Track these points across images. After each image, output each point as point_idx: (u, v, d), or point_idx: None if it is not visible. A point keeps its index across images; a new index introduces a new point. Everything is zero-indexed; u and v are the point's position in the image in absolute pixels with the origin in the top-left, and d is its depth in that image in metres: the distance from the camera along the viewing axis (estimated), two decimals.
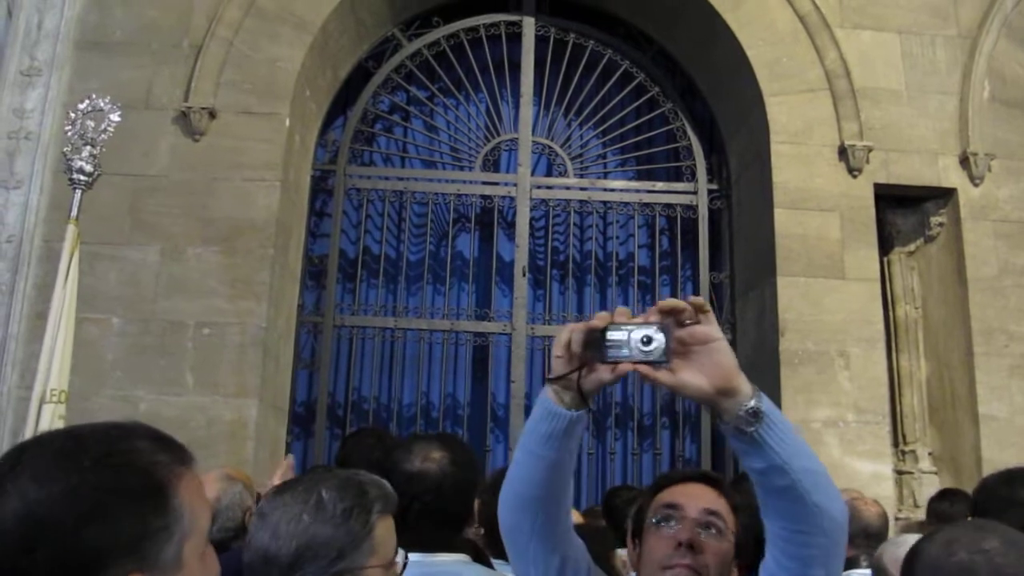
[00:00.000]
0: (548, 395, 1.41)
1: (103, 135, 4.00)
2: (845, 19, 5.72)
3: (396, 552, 1.62)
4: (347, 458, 3.25)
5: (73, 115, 4.03)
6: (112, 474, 0.98)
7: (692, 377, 1.33)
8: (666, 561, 1.61)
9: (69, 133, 3.99)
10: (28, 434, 3.86)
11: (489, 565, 2.20)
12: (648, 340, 1.31)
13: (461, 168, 6.26)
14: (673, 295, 6.11)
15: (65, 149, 4.00)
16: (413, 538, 1.91)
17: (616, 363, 1.33)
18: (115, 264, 5.09)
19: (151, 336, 5.07)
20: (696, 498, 1.69)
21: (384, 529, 1.62)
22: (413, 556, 1.82)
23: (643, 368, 1.31)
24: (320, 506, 1.52)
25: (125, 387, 4.98)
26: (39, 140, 5.23)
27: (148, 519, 0.99)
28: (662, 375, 1.32)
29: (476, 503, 2.18)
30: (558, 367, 1.38)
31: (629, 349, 1.31)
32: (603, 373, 1.35)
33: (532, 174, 6.19)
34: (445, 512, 2.05)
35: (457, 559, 2.05)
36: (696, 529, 1.64)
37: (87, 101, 4.08)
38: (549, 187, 6.23)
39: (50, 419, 3.81)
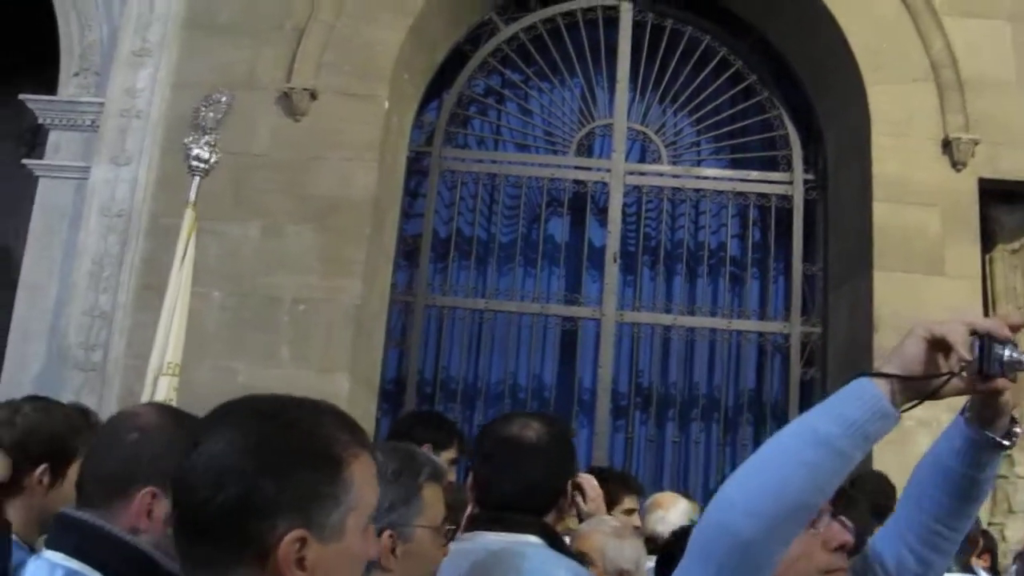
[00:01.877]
0: (882, 391, 1.25)
1: (219, 125, 4.22)
2: (952, 5, 5.54)
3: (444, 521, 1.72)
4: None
5: (196, 106, 4.27)
6: (296, 438, 1.09)
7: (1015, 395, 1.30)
8: (827, 566, 1.49)
9: (193, 121, 4.24)
10: None
11: (569, 554, 2.07)
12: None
13: (555, 152, 6.29)
14: (764, 287, 6.08)
15: (186, 139, 4.20)
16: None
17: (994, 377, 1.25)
18: (216, 239, 5.26)
19: (249, 310, 5.25)
20: None
21: (432, 494, 1.74)
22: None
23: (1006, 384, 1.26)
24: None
25: (224, 359, 5.17)
26: (148, 118, 5.44)
27: (320, 485, 1.08)
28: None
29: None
30: (915, 366, 1.26)
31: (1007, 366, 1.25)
32: (969, 383, 1.27)
33: (626, 160, 6.18)
34: (538, 483, 1.98)
35: (525, 539, 1.92)
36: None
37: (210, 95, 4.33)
38: (642, 173, 6.21)
39: (166, 390, 4.02)
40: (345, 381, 5.19)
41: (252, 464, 1.06)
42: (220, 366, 5.15)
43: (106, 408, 5.03)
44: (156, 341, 4.35)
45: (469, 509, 2.13)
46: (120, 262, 5.32)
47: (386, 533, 1.61)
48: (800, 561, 1.43)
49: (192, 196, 4.33)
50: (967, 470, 1.40)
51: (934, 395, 1.27)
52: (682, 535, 1.77)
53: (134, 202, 5.35)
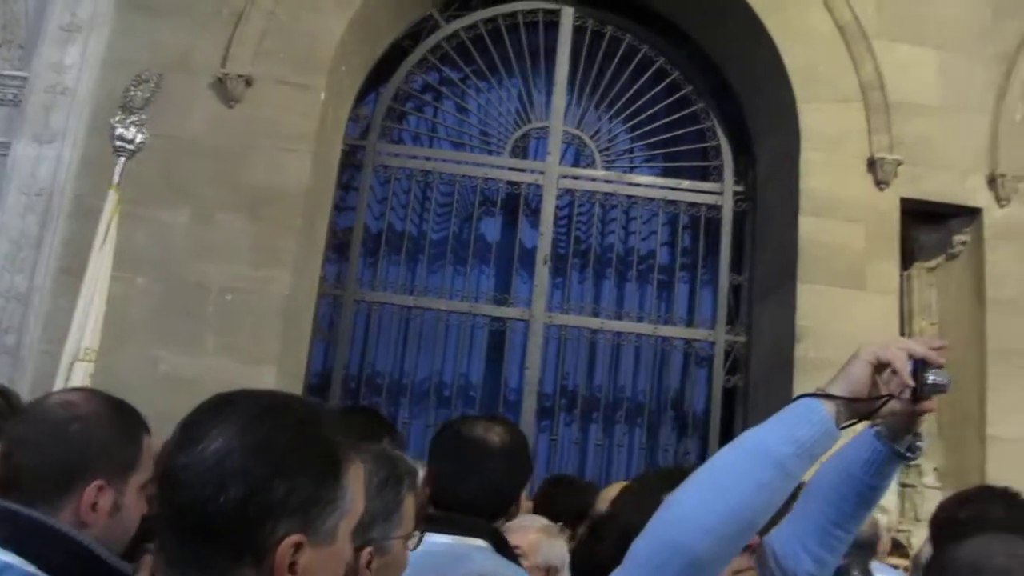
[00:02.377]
0: (829, 411, 1.29)
1: (147, 105, 4.11)
2: (884, 31, 5.72)
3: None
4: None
5: (125, 85, 4.15)
6: (301, 438, 1.07)
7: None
8: (737, 567, 1.56)
9: (122, 101, 4.11)
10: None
11: (515, 559, 2.05)
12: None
13: (490, 152, 6.29)
14: (692, 294, 6.18)
15: (112, 119, 4.07)
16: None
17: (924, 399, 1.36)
18: (144, 224, 5.12)
19: (175, 298, 5.13)
20: None
21: (410, 504, 1.70)
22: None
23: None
24: None
25: (147, 346, 5.03)
26: (75, 96, 5.25)
27: (322, 489, 1.06)
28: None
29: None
30: (861, 388, 1.33)
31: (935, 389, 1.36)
32: (904, 404, 1.37)
33: (560, 163, 6.22)
34: (497, 486, 2.00)
35: (473, 543, 1.92)
36: None
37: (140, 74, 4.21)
38: (576, 177, 6.26)
39: (82, 377, 3.88)
40: (271, 373, 5.10)
41: (257, 464, 1.03)
42: (142, 354, 5.01)
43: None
44: (72, 326, 4.23)
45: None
46: (39, 243, 5.12)
47: (367, 550, 1.54)
48: None
49: (116, 177, 4.21)
50: (872, 480, 1.51)
51: (871, 415, 1.36)
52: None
53: (56, 181, 5.16)
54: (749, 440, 1.30)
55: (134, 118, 4.31)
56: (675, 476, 1.72)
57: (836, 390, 1.32)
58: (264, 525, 1.01)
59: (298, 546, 1.02)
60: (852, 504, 1.55)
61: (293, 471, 1.04)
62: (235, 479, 1.01)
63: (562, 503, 3.51)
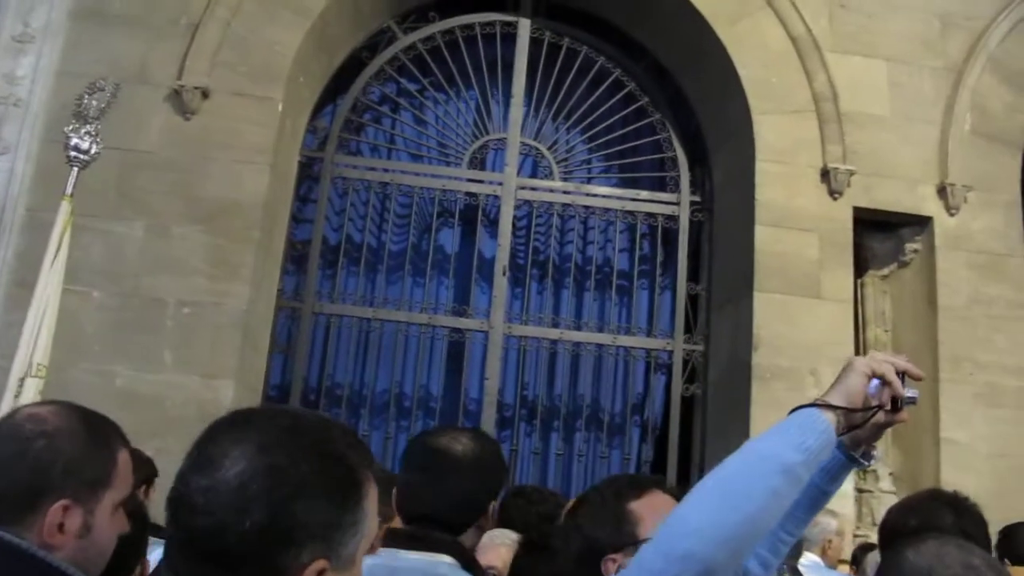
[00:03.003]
0: (831, 421, 1.36)
1: (102, 115, 4.03)
2: (836, 44, 5.83)
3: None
4: None
5: (79, 94, 4.06)
6: (326, 462, 1.04)
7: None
8: None
9: (76, 109, 4.02)
10: (5, 408, 3.82)
11: (479, 573, 2.03)
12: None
13: (448, 164, 6.30)
14: (650, 304, 6.22)
15: (66, 128, 4.00)
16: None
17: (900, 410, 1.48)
18: (99, 237, 5.06)
19: (131, 312, 5.06)
20: None
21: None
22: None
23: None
24: None
25: (103, 362, 4.96)
26: (28, 108, 5.19)
27: (345, 512, 1.04)
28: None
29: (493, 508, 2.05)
30: (857, 399, 1.41)
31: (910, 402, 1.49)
32: (885, 415, 1.47)
33: (518, 175, 6.25)
34: (460, 497, 1.95)
35: (439, 560, 1.89)
36: None
37: (95, 83, 4.12)
38: (534, 188, 6.29)
39: (33, 394, 3.79)
40: (230, 388, 5.05)
41: (281, 488, 1.00)
42: (98, 369, 4.94)
43: None
44: (22, 340, 4.12)
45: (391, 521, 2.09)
46: None
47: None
48: None
49: (69, 188, 4.12)
50: (826, 486, 1.58)
51: (863, 424, 1.45)
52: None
53: (9, 194, 5.09)
54: (758, 450, 1.34)
55: (88, 128, 4.20)
56: (636, 485, 1.74)
57: (836, 401, 1.39)
58: (288, 550, 0.99)
59: (322, 572, 1.01)
60: (804, 509, 1.59)
61: (316, 495, 1.02)
62: (259, 504, 0.99)
63: (527, 515, 3.50)
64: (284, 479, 1.00)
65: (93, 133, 4.18)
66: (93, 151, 4.04)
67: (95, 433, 1.57)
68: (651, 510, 1.64)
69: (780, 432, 1.34)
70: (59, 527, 1.46)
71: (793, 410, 1.38)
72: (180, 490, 1.03)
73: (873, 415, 1.45)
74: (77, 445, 1.52)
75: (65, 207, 4.02)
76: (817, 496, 1.58)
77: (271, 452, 1.02)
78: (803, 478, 1.32)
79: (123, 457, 1.58)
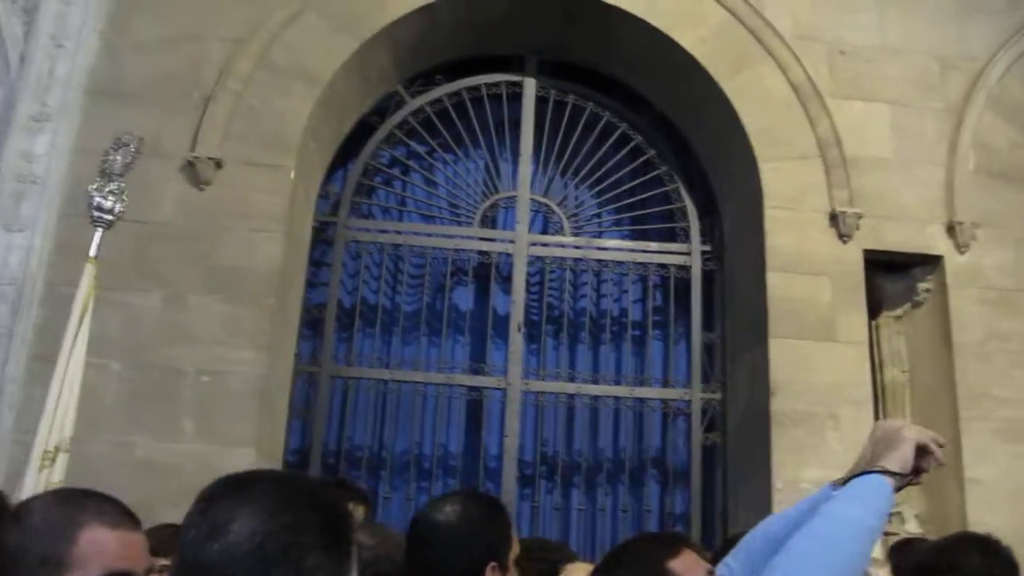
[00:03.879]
0: (892, 486, 1.62)
1: (127, 170, 4.03)
2: (837, 90, 5.91)
3: None
4: None
5: (104, 155, 4.03)
6: (323, 514, 1.13)
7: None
8: None
9: (101, 167, 3.99)
10: (29, 482, 3.82)
11: None
12: None
13: (459, 223, 6.37)
14: (666, 354, 6.23)
15: (91, 187, 3.99)
16: None
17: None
18: (116, 309, 5.10)
19: (150, 382, 5.08)
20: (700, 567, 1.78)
21: None
22: None
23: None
24: None
25: (122, 433, 4.97)
26: (45, 184, 5.27)
27: (343, 561, 1.13)
28: None
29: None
30: (908, 466, 1.66)
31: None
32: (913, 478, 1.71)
33: (529, 231, 6.31)
34: (443, 566, 2.01)
35: None
36: None
37: (119, 138, 4.09)
38: (545, 244, 6.34)
39: (63, 468, 3.78)
40: (250, 455, 5.05)
41: (294, 545, 1.07)
42: (117, 441, 4.95)
43: None
44: (44, 413, 4.10)
45: None
46: (11, 333, 5.09)
47: None
48: None
49: (93, 250, 4.02)
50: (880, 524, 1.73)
51: (905, 486, 1.69)
52: None
53: (27, 270, 5.15)
54: (846, 518, 1.54)
55: (112, 186, 4.10)
56: (670, 544, 1.77)
57: (894, 467, 1.63)
58: None
59: None
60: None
61: (323, 545, 1.10)
62: (278, 560, 1.06)
63: (530, 567, 3.47)
64: (296, 537, 1.08)
65: (116, 192, 4.07)
66: (117, 210, 3.99)
67: (58, 513, 1.56)
68: (688, 569, 1.71)
69: (859, 499, 1.57)
70: None
71: (861, 474, 1.63)
72: (192, 557, 1.09)
73: (916, 477, 1.70)
74: (30, 527, 1.53)
75: (89, 270, 3.96)
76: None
77: (279, 511, 1.09)
78: (877, 538, 1.56)
79: (91, 536, 1.52)
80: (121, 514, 1.58)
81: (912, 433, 1.67)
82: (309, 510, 1.11)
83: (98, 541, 1.52)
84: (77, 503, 1.57)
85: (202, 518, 1.10)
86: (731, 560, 1.86)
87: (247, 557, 1.05)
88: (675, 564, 1.72)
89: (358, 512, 3.52)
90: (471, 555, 2.02)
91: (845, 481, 1.68)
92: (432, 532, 2.04)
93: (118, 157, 4.05)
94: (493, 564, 2.02)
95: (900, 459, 1.63)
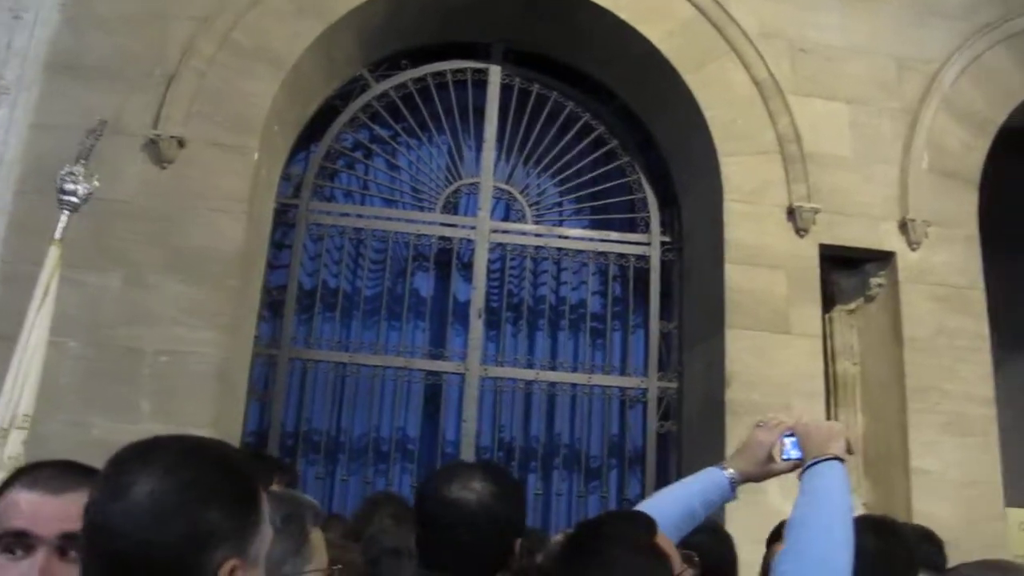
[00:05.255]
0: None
1: (91, 153, 4.01)
2: (798, 87, 6.01)
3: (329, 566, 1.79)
4: None
5: (83, 139, 4.01)
6: (225, 473, 1.17)
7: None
8: None
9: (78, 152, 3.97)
10: None
11: None
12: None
13: (422, 209, 6.38)
14: (624, 343, 6.31)
15: (61, 171, 3.96)
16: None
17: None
18: (76, 288, 5.02)
19: (108, 362, 5.04)
20: None
21: (317, 538, 1.84)
22: None
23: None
24: None
25: (79, 412, 4.92)
26: (3, 159, 5.20)
27: (248, 516, 1.17)
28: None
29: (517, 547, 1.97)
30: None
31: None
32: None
33: (491, 218, 6.34)
34: (478, 548, 1.89)
35: None
36: None
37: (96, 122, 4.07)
38: (507, 232, 6.38)
39: (18, 445, 3.75)
40: (208, 436, 5.03)
41: (193, 500, 1.11)
42: (73, 420, 4.89)
43: None
44: (3, 390, 4.06)
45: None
46: None
47: None
48: None
49: (59, 233, 4.02)
50: (705, 513, 2.05)
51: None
52: None
53: None
54: (840, 507, 1.79)
55: (79, 169, 4.10)
56: (649, 523, 1.83)
57: (844, 455, 1.92)
58: (205, 554, 1.10)
59: (234, 569, 1.12)
60: (682, 534, 2.00)
61: (223, 502, 1.14)
62: (176, 516, 1.09)
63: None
64: (196, 491, 1.12)
65: (77, 173, 4.07)
66: (81, 192, 3.97)
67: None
68: (668, 545, 1.81)
69: (839, 484, 1.83)
70: None
71: (826, 459, 1.88)
72: (95, 519, 1.12)
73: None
74: None
75: (54, 252, 3.95)
76: (694, 524, 2.06)
77: (179, 470, 1.13)
78: None
79: (7, 497, 1.56)
80: (51, 477, 1.57)
81: (840, 427, 2.00)
82: (210, 469, 1.15)
83: (9, 500, 1.55)
84: (27, 469, 1.63)
85: (106, 481, 1.14)
86: None
87: (147, 515, 1.08)
88: (659, 540, 1.79)
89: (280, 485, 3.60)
90: (503, 533, 1.93)
91: (738, 479, 2.08)
92: (458, 511, 1.89)
93: (86, 140, 4.02)
94: (520, 540, 1.97)
95: (842, 448, 1.92)
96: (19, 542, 1.50)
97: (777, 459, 2.03)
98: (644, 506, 2.03)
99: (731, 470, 2.06)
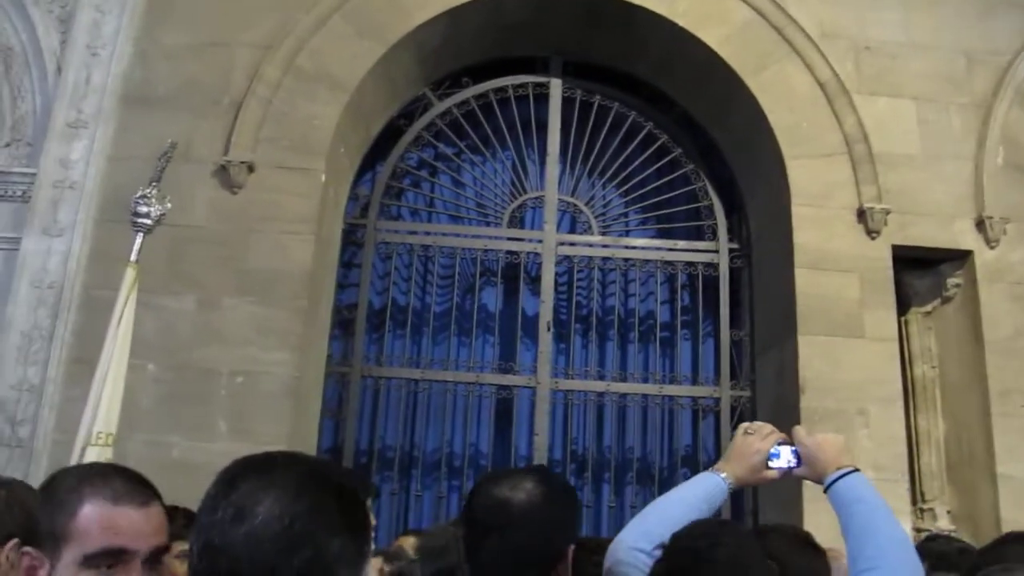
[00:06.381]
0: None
1: (161, 175, 4.16)
2: (862, 86, 5.90)
3: None
4: None
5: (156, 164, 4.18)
6: (346, 500, 1.17)
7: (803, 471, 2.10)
8: None
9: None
10: None
11: None
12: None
13: (488, 224, 6.43)
14: (694, 352, 6.25)
15: (135, 195, 4.12)
16: None
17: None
18: (152, 312, 5.20)
19: (185, 383, 5.18)
20: None
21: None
22: None
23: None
24: None
25: (159, 433, 5.07)
26: (83, 190, 5.39)
27: (363, 543, 1.17)
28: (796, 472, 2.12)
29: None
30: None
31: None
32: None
33: (557, 231, 6.36)
34: (526, 551, 1.79)
35: None
36: None
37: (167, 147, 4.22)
38: (573, 244, 6.38)
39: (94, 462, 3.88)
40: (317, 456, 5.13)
41: (322, 527, 1.11)
42: (155, 440, 5.05)
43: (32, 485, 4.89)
44: (86, 409, 4.20)
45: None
46: (51, 335, 5.21)
47: None
48: None
49: (134, 255, 4.17)
50: (710, 514, 2.06)
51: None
52: None
53: (66, 274, 5.27)
54: (888, 509, 1.94)
55: (151, 191, 4.27)
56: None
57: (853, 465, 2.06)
58: None
59: None
60: None
61: (345, 530, 1.14)
62: (304, 543, 1.09)
63: (585, 565, 3.48)
64: (323, 519, 1.12)
65: (156, 197, 4.24)
66: (154, 214, 4.12)
67: (54, 487, 1.60)
68: None
69: (877, 493, 1.97)
70: (30, 570, 1.52)
71: (848, 473, 2.00)
72: (215, 540, 1.11)
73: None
74: (31, 497, 1.61)
75: (130, 274, 4.11)
76: None
77: (305, 496, 1.12)
78: None
79: (90, 511, 1.55)
80: (129, 491, 1.58)
81: (843, 439, 2.15)
82: (332, 496, 1.14)
83: (96, 516, 1.54)
84: (88, 478, 1.61)
85: (226, 500, 1.12)
86: (643, 543, 1.97)
87: (274, 541, 1.08)
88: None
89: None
90: (553, 537, 1.82)
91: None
92: (506, 511, 1.80)
93: (158, 163, 4.19)
94: (573, 547, 1.85)
95: (851, 459, 2.06)
96: (115, 558, 1.52)
97: (768, 466, 2.12)
98: (654, 512, 2.08)
99: (726, 475, 2.11)
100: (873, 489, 1.97)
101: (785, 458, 2.10)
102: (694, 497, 2.08)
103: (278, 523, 1.09)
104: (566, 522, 1.89)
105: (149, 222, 4.10)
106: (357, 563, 1.14)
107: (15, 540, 1.56)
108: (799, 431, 2.13)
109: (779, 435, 2.14)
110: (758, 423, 2.23)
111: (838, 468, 2.01)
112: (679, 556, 1.84)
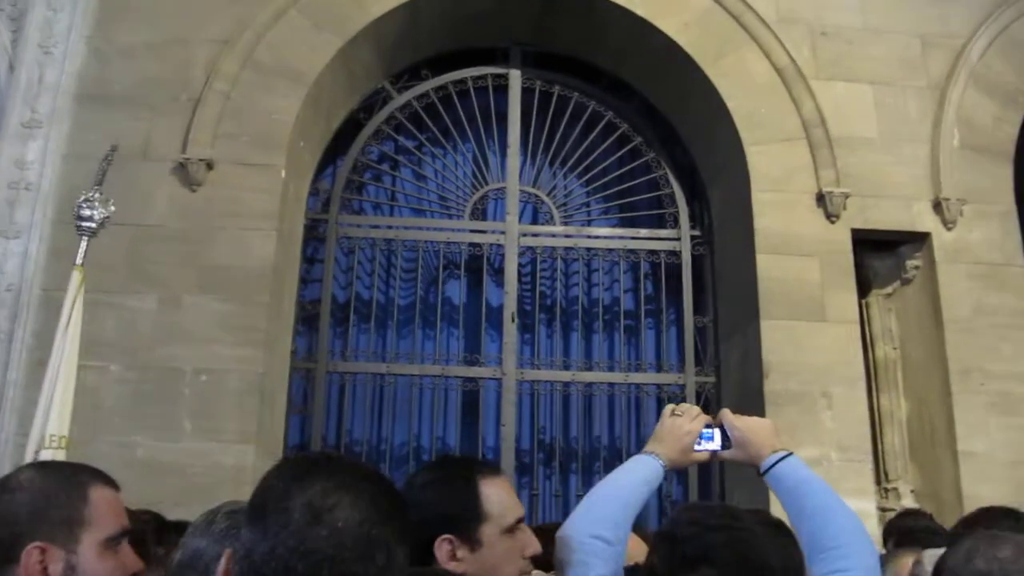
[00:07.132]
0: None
1: (103, 179, 4.11)
2: (820, 71, 5.96)
3: None
4: None
5: (98, 167, 4.13)
6: (405, 512, 1.21)
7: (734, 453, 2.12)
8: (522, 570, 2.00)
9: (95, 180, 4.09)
10: None
11: None
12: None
13: (450, 216, 6.42)
14: (659, 339, 6.29)
15: (78, 199, 4.08)
16: None
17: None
18: (113, 312, 5.16)
19: (149, 383, 5.13)
20: None
21: None
22: None
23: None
24: None
25: (124, 433, 5.02)
26: (39, 190, 5.32)
27: (409, 550, 1.22)
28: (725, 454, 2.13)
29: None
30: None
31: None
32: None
33: (520, 222, 6.36)
34: None
35: None
36: None
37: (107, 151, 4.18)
38: (536, 235, 6.39)
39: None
40: (250, 452, 5.11)
41: (395, 533, 1.15)
42: (118, 441, 5.00)
43: None
44: (37, 412, 4.15)
45: None
46: (10, 337, 5.14)
47: None
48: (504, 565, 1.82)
49: (79, 258, 4.16)
50: (646, 498, 2.03)
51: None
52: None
53: (24, 275, 5.20)
54: (828, 488, 1.98)
55: (94, 195, 4.23)
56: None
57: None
58: None
59: None
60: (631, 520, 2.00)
61: (408, 535, 1.18)
62: (380, 548, 1.12)
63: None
64: (396, 525, 1.16)
65: (93, 199, 4.18)
66: (97, 216, 4.08)
67: (56, 478, 1.62)
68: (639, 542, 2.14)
69: (815, 474, 2.01)
70: (43, 571, 1.51)
71: (785, 456, 2.03)
72: (291, 542, 1.10)
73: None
74: (39, 492, 1.57)
75: (76, 277, 4.07)
76: (639, 509, 2.04)
77: (380, 502, 1.16)
78: None
79: (99, 495, 1.62)
80: (105, 476, 1.68)
81: (773, 423, 2.17)
82: (399, 504, 1.19)
83: (105, 500, 1.63)
84: (65, 469, 1.67)
85: (293, 502, 1.12)
86: (602, 531, 1.94)
87: (356, 545, 1.10)
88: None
89: None
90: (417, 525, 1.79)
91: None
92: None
93: (100, 165, 4.15)
94: (447, 537, 1.78)
95: (782, 442, 2.08)
96: (124, 538, 1.63)
97: (698, 448, 2.12)
98: (601, 499, 2.01)
99: (659, 456, 2.09)
100: (812, 472, 2.01)
101: (717, 440, 2.12)
102: (637, 481, 2.05)
103: (360, 528, 1.11)
104: (436, 507, 1.85)
105: (93, 225, 4.06)
106: (404, 571, 1.17)
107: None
108: (727, 414, 2.15)
109: (706, 417, 2.15)
110: (685, 404, 2.24)
111: (774, 451, 2.02)
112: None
